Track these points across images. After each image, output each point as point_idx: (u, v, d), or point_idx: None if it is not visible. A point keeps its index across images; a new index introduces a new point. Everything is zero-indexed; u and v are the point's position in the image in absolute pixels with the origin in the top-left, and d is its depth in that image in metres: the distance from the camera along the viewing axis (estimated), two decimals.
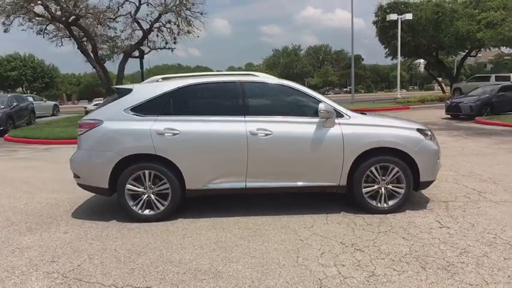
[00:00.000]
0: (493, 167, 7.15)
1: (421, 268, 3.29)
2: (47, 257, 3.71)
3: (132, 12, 16.26)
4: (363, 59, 75.71)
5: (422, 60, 59.65)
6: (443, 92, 35.21)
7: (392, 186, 4.69)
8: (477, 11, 28.77)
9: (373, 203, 4.69)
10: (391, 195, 4.71)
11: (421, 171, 4.66)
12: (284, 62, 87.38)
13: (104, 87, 16.83)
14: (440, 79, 41.74)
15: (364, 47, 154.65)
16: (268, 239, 4.02)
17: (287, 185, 4.65)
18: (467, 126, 13.91)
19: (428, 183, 4.81)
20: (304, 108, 4.79)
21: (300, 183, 4.64)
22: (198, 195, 4.68)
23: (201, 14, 17.33)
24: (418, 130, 4.78)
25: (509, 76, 26.63)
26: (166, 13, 16.44)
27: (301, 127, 4.61)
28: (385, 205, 4.69)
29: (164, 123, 4.54)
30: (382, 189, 4.68)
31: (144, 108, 4.62)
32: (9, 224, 4.71)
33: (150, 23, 17.28)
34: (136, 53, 18.39)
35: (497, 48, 28.46)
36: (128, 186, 4.55)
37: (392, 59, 34.99)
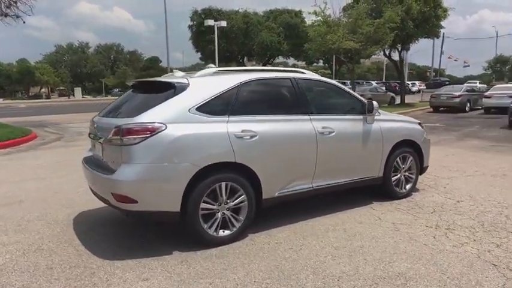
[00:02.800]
0: None
1: (510, 233, 4.06)
2: None
3: None
4: (161, 61, 76.08)
5: (213, 65, 64.84)
6: None
7: (408, 173, 5.39)
8: (276, 25, 33.73)
9: (397, 189, 5.27)
10: (406, 181, 5.40)
11: (424, 158, 5.54)
12: (70, 59, 78.54)
13: None
14: None
15: (146, 48, 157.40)
16: (371, 235, 4.02)
17: (346, 181, 4.71)
18: None
19: (426, 168, 5.74)
20: (348, 106, 4.92)
21: (355, 178, 4.79)
22: (271, 204, 4.16)
23: None
24: (419, 124, 5.65)
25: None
26: None
27: (353, 124, 4.75)
28: (404, 190, 5.35)
29: (238, 124, 3.84)
30: (402, 176, 5.32)
31: (212, 107, 3.78)
32: None
33: None
34: None
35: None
36: (203, 204, 3.64)
37: (206, 63, 36.78)
